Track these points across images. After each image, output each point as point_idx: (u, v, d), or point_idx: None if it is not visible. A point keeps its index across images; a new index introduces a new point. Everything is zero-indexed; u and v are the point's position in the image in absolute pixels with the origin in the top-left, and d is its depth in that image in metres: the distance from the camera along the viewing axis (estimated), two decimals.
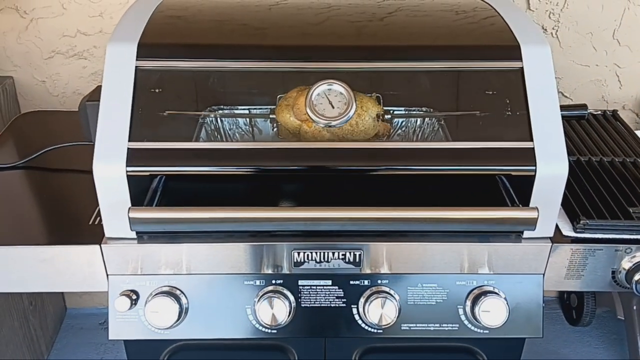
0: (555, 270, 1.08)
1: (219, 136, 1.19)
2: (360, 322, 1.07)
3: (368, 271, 1.06)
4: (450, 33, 1.15)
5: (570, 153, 1.14)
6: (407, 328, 1.08)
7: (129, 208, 0.97)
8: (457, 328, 1.08)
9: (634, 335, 1.65)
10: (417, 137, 1.20)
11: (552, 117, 1.01)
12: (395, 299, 1.05)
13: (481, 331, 1.08)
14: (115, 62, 1.02)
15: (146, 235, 1.03)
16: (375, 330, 1.07)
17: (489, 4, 1.20)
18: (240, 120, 1.22)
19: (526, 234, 1.05)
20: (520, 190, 1.02)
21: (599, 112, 1.51)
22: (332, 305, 1.07)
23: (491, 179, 1.05)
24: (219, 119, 1.20)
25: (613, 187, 1.18)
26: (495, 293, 1.05)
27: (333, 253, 1.03)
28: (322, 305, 1.07)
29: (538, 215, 0.98)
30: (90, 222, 1.09)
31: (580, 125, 1.44)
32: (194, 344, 1.23)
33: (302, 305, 1.06)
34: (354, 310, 1.07)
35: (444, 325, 1.08)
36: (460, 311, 1.07)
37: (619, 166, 1.27)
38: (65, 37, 1.57)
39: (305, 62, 1.06)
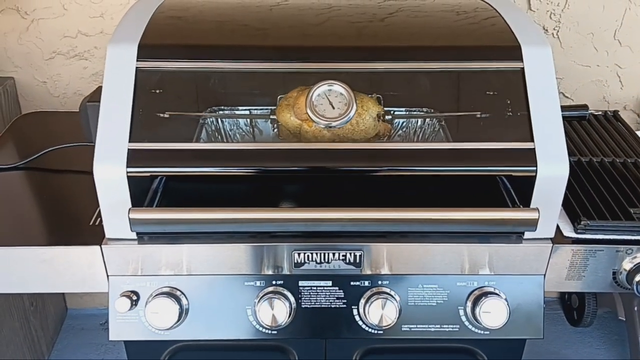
0: (556, 271, 1.08)
1: (219, 137, 1.19)
2: (360, 323, 1.07)
3: (368, 272, 1.05)
4: (451, 33, 1.15)
5: (571, 153, 1.14)
6: (408, 329, 1.08)
7: (130, 209, 0.97)
8: (457, 329, 1.08)
9: (635, 336, 1.65)
10: (417, 137, 1.20)
11: (553, 117, 1.01)
12: (395, 299, 1.05)
13: (482, 332, 1.08)
14: (115, 62, 1.02)
15: (146, 236, 1.03)
16: (376, 331, 1.07)
17: (490, 5, 1.20)
18: (241, 121, 1.22)
19: (527, 234, 1.05)
20: (521, 191, 1.02)
21: (600, 113, 1.51)
22: (333, 306, 1.07)
23: (492, 179, 1.05)
24: (219, 120, 1.19)
25: (614, 188, 1.18)
26: (496, 294, 1.05)
27: (333, 254, 1.03)
28: (323, 306, 1.07)
29: (539, 216, 0.98)
30: (91, 223, 1.09)
31: (581, 125, 1.44)
32: (194, 344, 1.23)
33: (303, 306, 1.06)
34: (355, 311, 1.07)
35: (444, 326, 1.08)
36: (461, 312, 1.07)
37: (620, 167, 1.27)
38: (66, 38, 1.57)
39: (305, 62, 1.06)
